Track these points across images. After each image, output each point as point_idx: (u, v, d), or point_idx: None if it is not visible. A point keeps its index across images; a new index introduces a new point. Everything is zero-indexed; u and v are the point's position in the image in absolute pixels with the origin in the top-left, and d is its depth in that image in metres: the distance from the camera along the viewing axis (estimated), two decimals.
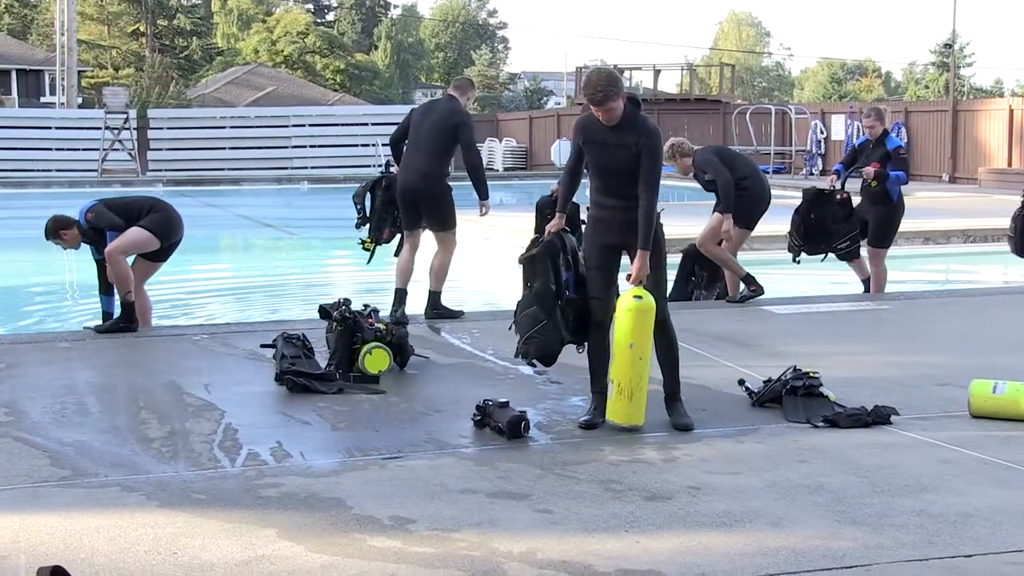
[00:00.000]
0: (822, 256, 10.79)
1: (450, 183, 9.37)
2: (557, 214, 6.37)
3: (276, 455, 5.72)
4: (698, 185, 10.74)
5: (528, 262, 6.31)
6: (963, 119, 31.79)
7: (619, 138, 6.05)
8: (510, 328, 6.42)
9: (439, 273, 9.51)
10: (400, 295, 9.43)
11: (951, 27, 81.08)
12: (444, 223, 9.46)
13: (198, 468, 5.50)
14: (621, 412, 6.04)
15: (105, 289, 8.92)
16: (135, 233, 8.78)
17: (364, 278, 14.25)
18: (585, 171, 6.31)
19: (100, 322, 8.94)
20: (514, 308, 6.51)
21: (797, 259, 10.90)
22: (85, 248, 9.08)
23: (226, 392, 7.03)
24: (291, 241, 21.62)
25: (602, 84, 5.95)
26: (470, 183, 9.41)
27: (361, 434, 6.12)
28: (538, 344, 6.26)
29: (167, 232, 8.94)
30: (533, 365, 6.45)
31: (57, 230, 8.90)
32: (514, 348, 6.47)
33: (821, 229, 10.59)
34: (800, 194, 11.03)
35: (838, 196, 10.57)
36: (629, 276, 6.06)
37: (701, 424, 6.25)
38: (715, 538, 4.55)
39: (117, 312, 8.85)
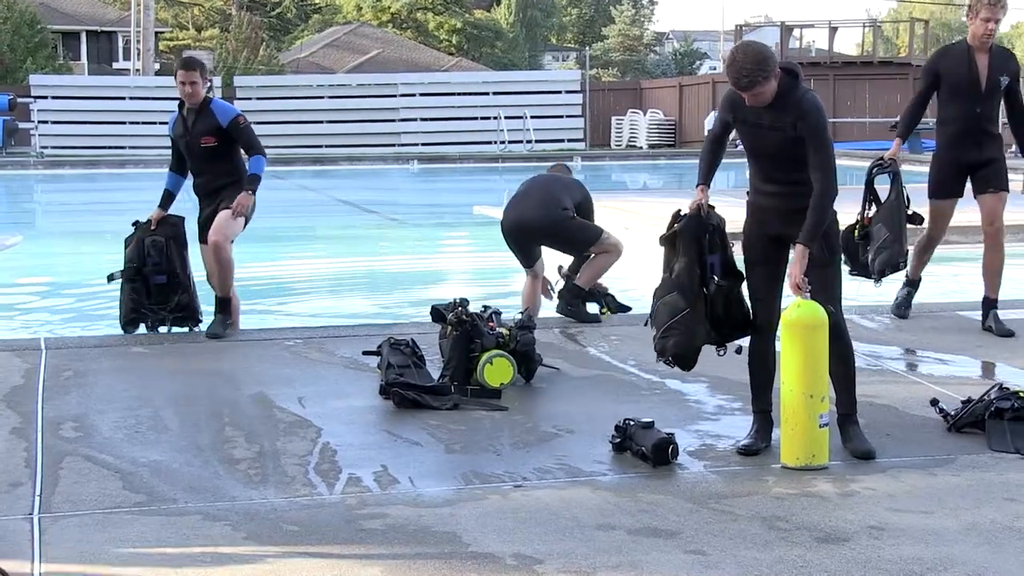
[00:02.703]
0: None
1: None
2: (700, 187, 6.29)
3: (381, 481, 5.78)
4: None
5: (667, 241, 6.25)
6: None
7: (773, 117, 5.98)
8: (646, 323, 6.36)
9: (594, 270, 9.53)
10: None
11: None
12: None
13: (291, 495, 5.59)
14: (793, 453, 5.95)
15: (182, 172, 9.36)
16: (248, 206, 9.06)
17: (483, 275, 14.33)
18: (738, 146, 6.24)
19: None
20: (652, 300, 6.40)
21: None
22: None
23: (323, 407, 7.13)
24: (398, 230, 21.85)
25: (748, 67, 5.86)
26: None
27: (480, 458, 6.16)
28: (678, 338, 6.13)
29: None
30: (670, 364, 6.31)
31: (203, 69, 9.20)
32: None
33: None
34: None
35: None
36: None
37: (884, 452, 6.15)
38: None
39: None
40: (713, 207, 6.22)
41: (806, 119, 5.94)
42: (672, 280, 6.18)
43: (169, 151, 9.41)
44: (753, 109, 6.03)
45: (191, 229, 9.28)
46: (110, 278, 9.25)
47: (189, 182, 9.43)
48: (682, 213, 6.19)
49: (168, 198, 9.31)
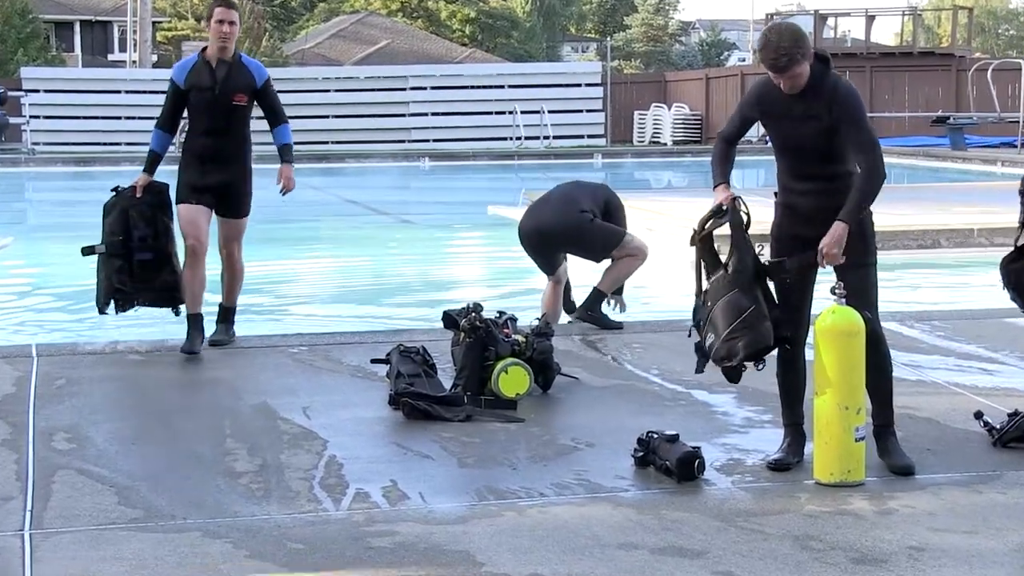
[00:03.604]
0: None
1: None
2: (722, 185, 6.25)
3: (390, 496, 5.79)
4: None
5: (703, 242, 6.17)
6: None
7: (806, 107, 5.98)
8: (689, 334, 6.33)
9: (615, 274, 9.51)
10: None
11: None
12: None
13: (295, 511, 5.60)
14: (827, 468, 5.94)
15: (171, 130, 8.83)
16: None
17: (498, 278, 14.34)
18: (767, 143, 6.21)
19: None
20: (693, 307, 6.35)
21: None
22: None
23: (329, 417, 7.15)
24: (408, 231, 21.87)
25: (785, 45, 5.87)
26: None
27: (494, 472, 6.17)
28: (749, 338, 6.02)
29: None
30: (740, 369, 6.13)
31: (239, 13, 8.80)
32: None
33: None
34: None
35: None
36: (833, 289, 5.93)
37: (925, 468, 6.14)
38: None
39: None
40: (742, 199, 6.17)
41: (842, 103, 5.94)
42: (731, 277, 6.09)
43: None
44: (783, 101, 6.02)
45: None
46: (87, 251, 8.76)
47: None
48: (724, 207, 6.13)
49: (155, 160, 8.73)
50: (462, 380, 7.46)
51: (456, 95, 41.54)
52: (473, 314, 7.69)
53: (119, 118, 39.06)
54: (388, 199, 27.65)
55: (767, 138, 6.24)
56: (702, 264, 6.20)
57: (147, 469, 6.19)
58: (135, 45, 46.86)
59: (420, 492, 5.84)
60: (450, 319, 7.89)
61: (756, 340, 6.03)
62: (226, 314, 9.10)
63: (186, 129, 8.94)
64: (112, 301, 8.82)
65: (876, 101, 38.63)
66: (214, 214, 8.86)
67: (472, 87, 42.04)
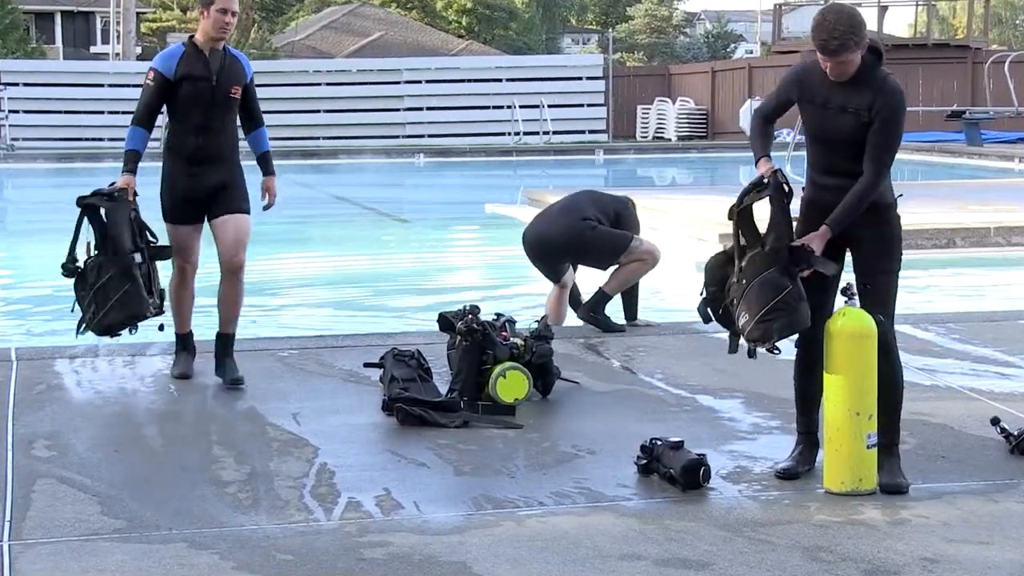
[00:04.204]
0: None
1: None
2: (763, 158, 6.20)
3: (383, 506, 5.79)
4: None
5: (742, 216, 6.11)
6: None
7: (846, 98, 5.95)
8: (708, 320, 6.23)
9: (623, 277, 9.51)
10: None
11: None
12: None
13: (285, 520, 5.60)
14: (838, 476, 5.94)
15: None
16: None
17: (496, 279, 14.34)
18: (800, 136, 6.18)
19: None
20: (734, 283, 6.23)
21: None
22: None
23: (320, 423, 7.15)
24: (402, 230, 21.88)
25: (840, 29, 5.82)
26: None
27: (492, 480, 6.17)
28: (785, 319, 5.94)
29: None
30: (775, 351, 6.08)
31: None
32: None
33: None
34: None
35: None
36: (844, 289, 5.92)
37: (939, 476, 6.15)
38: None
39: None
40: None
41: (888, 102, 5.89)
42: (767, 254, 6.00)
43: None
44: (824, 88, 5.99)
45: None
46: (134, 266, 7.72)
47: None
48: (765, 179, 6.06)
49: (137, 159, 7.96)
50: (458, 385, 7.46)
51: (452, 89, 41.54)
52: (470, 316, 7.69)
53: (102, 112, 39.05)
54: (381, 197, 27.65)
55: (787, 131, 6.21)
56: (740, 240, 6.12)
57: (131, 477, 6.20)
58: (118, 37, 46.88)
59: (415, 501, 5.84)
60: (446, 321, 7.89)
61: (793, 323, 5.97)
62: (227, 343, 8.18)
63: (167, 127, 8.21)
64: (144, 316, 7.83)
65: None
66: (209, 222, 8.12)
67: (469, 80, 42.03)
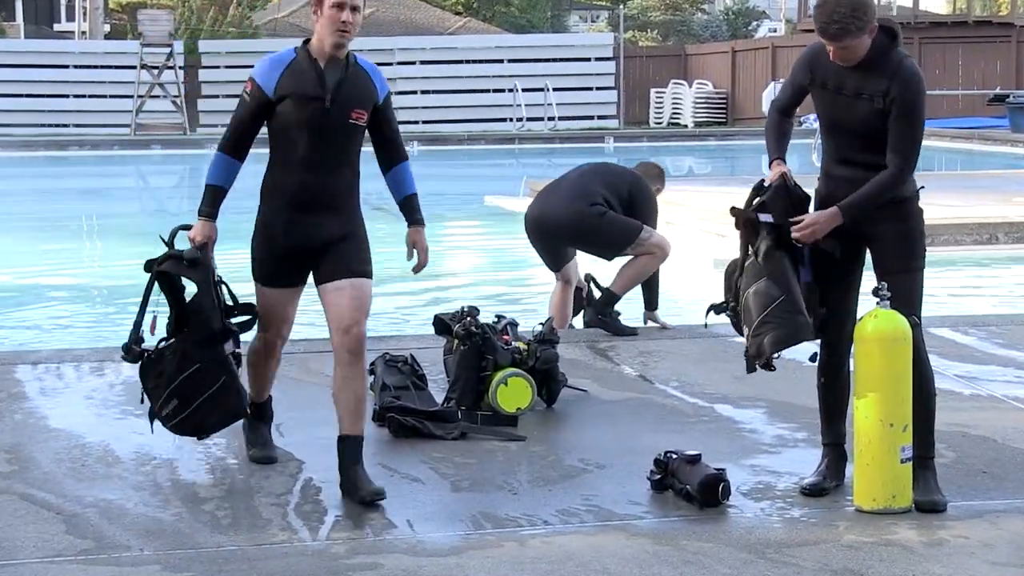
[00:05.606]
0: None
1: None
2: (776, 160, 6.23)
3: (374, 525, 5.80)
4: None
5: (746, 222, 6.13)
6: None
7: (859, 83, 5.97)
8: (706, 324, 6.29)
9: (631, 274, 9.50)
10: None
11: None
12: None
13: (267, 541, 5.61)
14: (870, 493, 5.95)
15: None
16: None
17: (497, 278, 14.34)
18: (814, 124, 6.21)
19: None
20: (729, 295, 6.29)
21: None
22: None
23: (304, 435, 7.16)
24: (394, 224, 21.76)
25: (841, 11, 5.84)
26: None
27: (492, 497, 6.18)
28: (775, 332, 5.98)
29: None
30: (770, 369, 6.13)
31: None
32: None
33: None
34: None
35: None
36: (876, 290, 5.93)
37: (979, 493, 6.16)
38: None
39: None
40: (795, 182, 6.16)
41: (903, 86, 5.91)
42: (759, 264, 6.05)
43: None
44: (837, 72, 6.00)
45: None
46: (228, 358, 6.71)
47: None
48: (766, 184, 6.12)
49: (219, 198, 6.75)
50: (456, 393, 7.47)
51: (449, 70, 41.52)
52: (468, 319, 7.70)
53: (67, 96, 38.94)
54: (371, 188, 27.50)
55: (813, 117, 6.24)
56: (748, 247, 6.15)
57: (98, 494, 6.19)
58: (85, 13, 46.83)
59: (408, 520, 5.85)
60: (442, 324, 7.90)
61: (787, 336, 5.99)
62: (358, 446, 6.40)
63: (269, 160, 6.90)
64: (245, 414, 6.81)
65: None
66: (317, 287, 6.97)
67: (467, 61, 42.04)
